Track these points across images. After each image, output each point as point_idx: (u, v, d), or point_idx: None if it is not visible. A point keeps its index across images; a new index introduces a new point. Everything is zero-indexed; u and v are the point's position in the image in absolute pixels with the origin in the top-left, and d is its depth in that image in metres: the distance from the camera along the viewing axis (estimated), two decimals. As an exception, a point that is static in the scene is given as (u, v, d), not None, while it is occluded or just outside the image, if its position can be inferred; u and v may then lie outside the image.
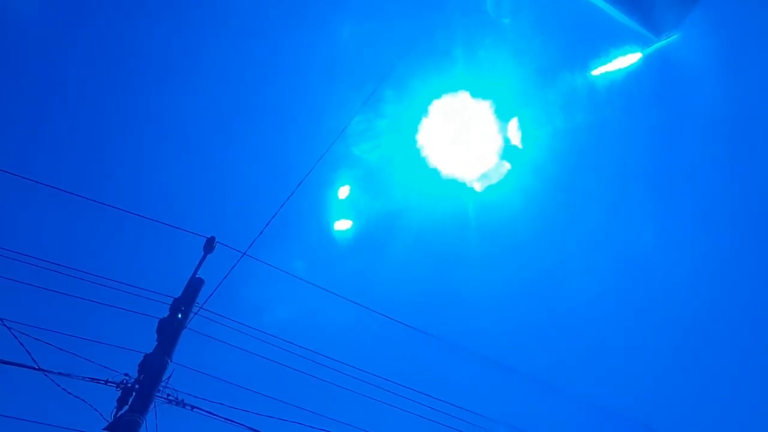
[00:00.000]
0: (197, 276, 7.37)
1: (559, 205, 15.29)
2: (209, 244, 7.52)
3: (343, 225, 14.02)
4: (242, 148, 14.34)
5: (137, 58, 13.01)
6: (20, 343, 5.58)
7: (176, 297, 7.04)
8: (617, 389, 16.75)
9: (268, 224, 7.19)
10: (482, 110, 12.44)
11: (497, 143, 12.81)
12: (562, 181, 14.76)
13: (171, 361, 6.55)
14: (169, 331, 6.74)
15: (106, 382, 6.07)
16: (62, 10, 12.39)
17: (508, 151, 12.92)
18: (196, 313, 7.17)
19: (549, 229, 15.70)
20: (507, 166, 13.04)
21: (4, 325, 5.62)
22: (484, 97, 12.21)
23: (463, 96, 12.30)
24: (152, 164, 13.76)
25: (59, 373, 5.70)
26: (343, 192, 13.49)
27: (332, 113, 12.55)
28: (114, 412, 6.03)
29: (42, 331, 6.01)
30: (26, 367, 5.55)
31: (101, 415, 5.87)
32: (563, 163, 14.37)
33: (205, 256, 7.49)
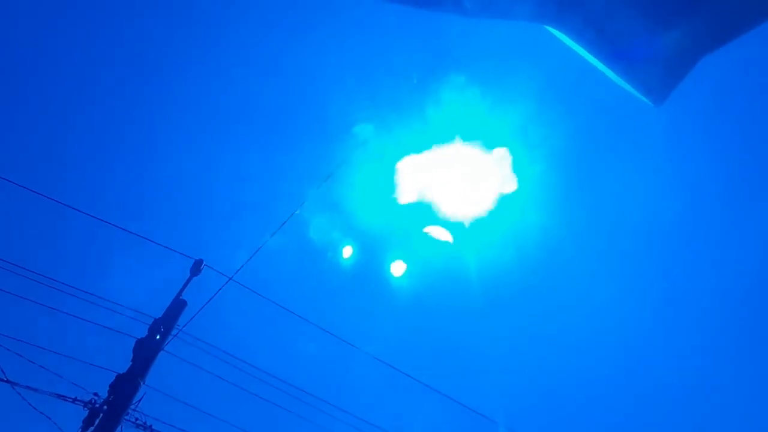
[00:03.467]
0: (181, 297, 7.25)
1: (556, 256, 15.31)
2: (196, 267, 7.42)
3: (332, 260, 13.97)
4: (241, 177, 14.42)
5: (136, 73, 13.20)
6: (-11, 352, 5.42)
7: (157, 317, 6.91)
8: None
9: (257, 251, 7.16)
10: (480, 158, 12.55)
11: (493, 191, 12.89)
12: (559, 233, 14.82)
13: (144, 384, 6.37)
14: (146, 352, 6.58)
15: (74, 400, 5.89)
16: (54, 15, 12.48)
17: (503, 200, 13.01)
18: (175, 335, 7.02)
19: (544, 280, 15.69)
20: (502, 213, 13.09)
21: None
22: (482, 144, 12.35)
23: (460, 143, 12.44)
24: (148, 182, 13.80)
25: (26, 387, 5.52)
26: (335, 229, 13.49)
27: (330, 145, 12.69)
28: (78, 433, 5.83)
29: (12, 341, 5.86)
30: (-7, 378, 5.38)
31: (64, 434, 5.66)
32: (561, 214, 14.47)
33: (190, 278, 7.38)
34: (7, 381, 5.41)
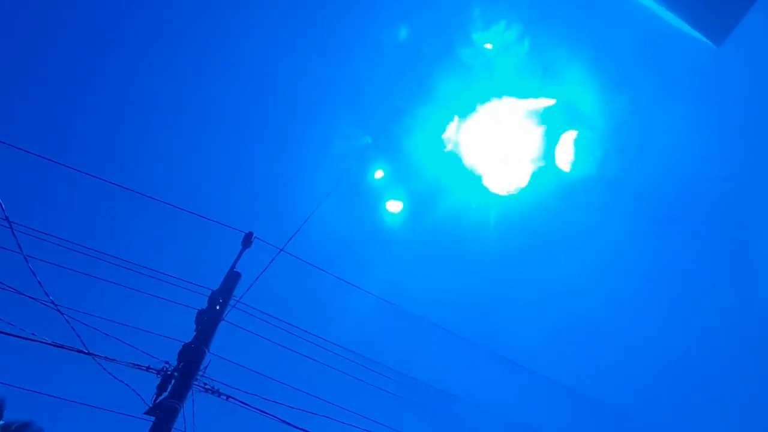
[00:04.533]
0: (235, 270, 7.55)
1: (580, 215, 15.16)
2: (247, 239, 7.69)
3: (378, 224, 14.13)
4: (288, 147, 14.66)
5: (196, 66, 13.47)
6: (72, 328, 5.87)
7: (214, 290, 7.23)
8: (623, 388, 16.72)
9: (305, 221, 7.33)
10: (520, 117, 12.33)
11: (530, 150, 12.67)
12: (586, 193, 14.60)
13: (208, 351, 6.74)
14: (207, 323, 6.94)
15: (148, 368, 6.31)
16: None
17: (540, 159, 12.80)
18: (233, 307, 7.35)
19: (567, 237, 15.62)
20: (535, 170, 12.91)
21: (58, 311, 5.93)
22: (525, 103, 12.08)
23: (502, 101, 12.21)
24: (201, 162, 14.22)
25: (105, 358, 5.96)
26: (380, 194, 13.60)
27: (372, 115, 12.69)
28: (154, 398, 6.26)
29: (90, 318, 6.30)
30: (76, 350, 5.83)
31: (143, 399, 6.11)
32: (592, 176, 14.20)
33: (242, 251, 7.66)
34: (89, 353, 5.86)
